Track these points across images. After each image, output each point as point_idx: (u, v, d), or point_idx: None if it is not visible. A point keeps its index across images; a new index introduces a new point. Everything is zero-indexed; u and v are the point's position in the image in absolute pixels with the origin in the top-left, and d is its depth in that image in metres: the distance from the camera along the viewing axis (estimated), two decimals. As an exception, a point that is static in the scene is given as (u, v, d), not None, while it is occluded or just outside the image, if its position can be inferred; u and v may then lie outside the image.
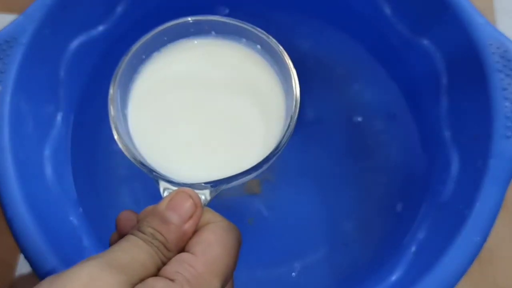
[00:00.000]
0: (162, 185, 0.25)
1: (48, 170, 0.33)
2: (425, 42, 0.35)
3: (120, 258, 0.20)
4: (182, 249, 0.22)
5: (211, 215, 0.23)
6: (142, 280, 0.20)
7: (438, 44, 0.35)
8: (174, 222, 0.22)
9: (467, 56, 0.31)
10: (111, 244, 0.25)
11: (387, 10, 0.37)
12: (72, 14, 0.34)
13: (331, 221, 0.39)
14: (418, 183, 0.37)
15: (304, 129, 0.41)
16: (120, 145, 0.25)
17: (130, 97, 0.28)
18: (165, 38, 0.29)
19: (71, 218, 0.33)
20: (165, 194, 0.25)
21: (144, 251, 0.21)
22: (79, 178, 0.36)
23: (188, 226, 0.22)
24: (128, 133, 0.27)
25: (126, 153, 0.25)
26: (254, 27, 0.28)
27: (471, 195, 0.28)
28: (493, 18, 0.49)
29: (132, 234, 0.22)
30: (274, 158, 0.25)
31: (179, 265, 0.21)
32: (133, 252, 0.20)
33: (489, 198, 0.28)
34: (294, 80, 0.27)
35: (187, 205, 0.22)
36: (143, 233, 0.21)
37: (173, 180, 0.25)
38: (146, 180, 0.39)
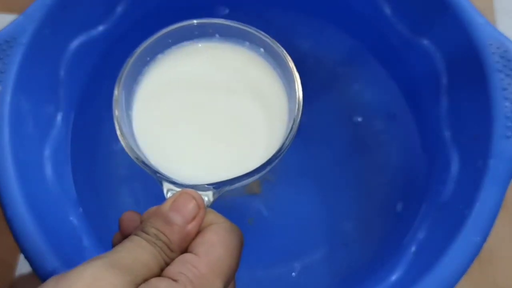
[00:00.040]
0: (166, 186, 0.25)
1: (48, 170, 0.33)
2: (425, 42, 0.35)
3: (124, 258, 0.20)
4: (185, 250, 0.22)
5: (214, 216, 0.24)
6: (145, 280, 0.20)
7: (438, 44, 0.35)
8: (178, 223, 0.22)
9: (467, 56, 0.31)
10: (113, 244, 0.25)
11: (387, 10, 0.37)
12: (72, 14, 0.34)
13: (331, 221, 0.39)
14: (418, 183, 0.37)
15: (304, 129, 0.41)
16: (124, 146, 0.25)
17: (135, 98, 0.28)
18: (170, 41, 0.29)
19: (71, 218, 0.33)
20: (169, 195, 0.25)
21: (147, 251, 0.21)
22: (79, 178, 0.36)
23: (191, 227, 0.22)
24: (132, 134, 0.27)
25: (130, 154, 0.25)
26: (258, 30, 0.28)
27: (471, 195, 0.28)
28: (493, 18, 0.49)
29: (135, 234, 0.22)
30: (277, 161, 0.26)
31: (182, 266, 0.21)
32: (136, 253, 0.21)
33: (489, 198, 0.28)
34: (297, 84, 0.27)
35: (190, 206, 0.22)
36: (147, 233, 0.22)
37: (177, 182, 0.25)
38: (146, 180, 0.39)
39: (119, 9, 0.37)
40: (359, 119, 0.42)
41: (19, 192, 0.29)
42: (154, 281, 0.20)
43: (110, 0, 0.36)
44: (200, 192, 0.24)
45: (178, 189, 0.25)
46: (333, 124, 0.42)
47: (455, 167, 0.32)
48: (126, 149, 0.25)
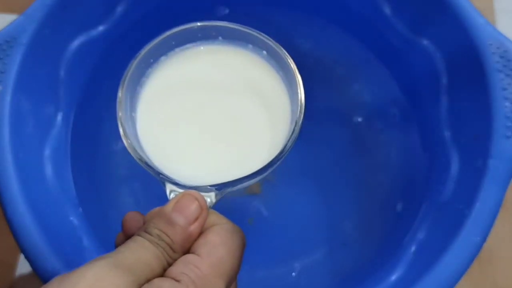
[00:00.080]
0: (169, 187, 0.25)
1: (48, 170, 0.33)
2: (425, 42, 0.35)
3: (127, 258, 0.20)
4: (188, 251, 0.22)
5: (216, 217, 0.24)
6: (148, 280, 0.20)
7: (438, 44, 0.35)
8: (180, 224, 0.22)
9: (467, 56, 0.31)
10: (116, 244, 0.25)
11: (387, 10, 0.37)
12: (72, 14, 0.34)
13: (331, 221, 0.39)
14: (418, 183, 0.37)
15: (304, 129, 0.41)
16: (127, 147, 0.26)
17: (138, 100, 0.28)
18: (173, 43, 0.29)
19: (71, 218, 0.33)
20: (171, 196, 0.25)
21: (150, 252, 0.21)
22: (79, 178, 0.36)
23: (194, 228, 0.22)
24: (135, 135, 0.27)
25: (133, 155, 0.26)
26: (261, 33, 0.28)
27: (471, 195, 0.28)
28: (493, 18, 0.49)
29: (138, 235, 0.22)
30: (279, 162, 0.26)
31: (185, 266, 0.21)
32: (139, 253, 0.21)
33: (489, 198, 0.28)
34: (299, 86, 0.27)
35: (193, 207, 0.23)
36: (150, 234, 0.22)
37: (180, 183, 0.25)
38: (146, 180, 0.39)
39: (119, 9, 0.37)
40: (359, 119, 0.42)
41: (19, 192, 0.29)
42: (157, 281, 0.20)
43: (110, 0, 0.36)
44: (202, 194, 0.24)
45: (180, 190, 0.25)
46: (333, 124, 0.42)
47: (455, 167, 0.32)
48: (130, 150, 0.25)
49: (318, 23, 0.42)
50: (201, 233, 0.23)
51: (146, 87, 0.29)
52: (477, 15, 0.31)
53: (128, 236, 0.24)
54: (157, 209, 0.24)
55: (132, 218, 0.25)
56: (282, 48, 0.28)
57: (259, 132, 0.28)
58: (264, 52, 0.29)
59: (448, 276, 0.27)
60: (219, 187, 0.25)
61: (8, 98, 0.30)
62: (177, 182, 0.25)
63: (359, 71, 0.42)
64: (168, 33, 0.28)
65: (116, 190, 0.39)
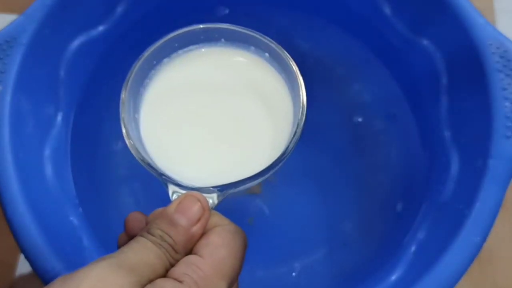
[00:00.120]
0: (171, 188, 0.25)
1: (48, 170, 0.33)
2: (425, 42, 0.35)
3: (130, 259, 0.20)
4: (190, 251, 0.23)
5: (218, 219, 0.24)
6: (150, 281, 0.20)
7: (438, 44, 0.35)
8: (182, 225, 0.22)
9: (467, 56, 0.31)
10: (119, 244, 0.25)
11: (387, 10, 0.37)
12: (72, 14, 0.34)
13: (331, 221, 0.39)
14: (418, 183, 0.37)
15: (304, 129, 0.41)
16: (130, 148, 0.26)
17: (142, 101, 0.29)
18: (176, 45, 0.29)
19: (71, 218, 0.33)
20: (174, 197, 0.25)
21: (153, 252, 0.21)
22: (79, 178, 0.36)
23: (196, 229, 0.23)
24: (138, 136, 0.28)
25: (136, 156, 0.26)
26: (263, 35, 0.28)
27: (471, 195, 0.28)
28: (493, 18, 0.49)
29: (141, 235, 0.22)
30: (280, 164, 0.26)
31: (187, 267, 0.21)
32: (142, 254, 0.21)
33: (489, 198, 0.28)
34: (301, 88, 0.27)
35: (195, 208, 0.23)
36: (152, 235, 0.22)
37: (182, 184, 0.25)
38: (146, 180, 0.39)
39: (119, 9, 0.37)
40: (359, 119, 0.42)
41: (19, 192, 0.29)
42: (160, 281, 0.20)
43: (110, 0, 0.36)
44: (205, 195, 0.24)
45: (183, 192, 0.25)
46: (333, 124, 0.42)
47: (455, 167, 0.32)
48: (132, 151, 0.26)
49: (318, 23, 0.42)
50: (203, 234, 0.23)
51: (149, 88, 0.29)
52: (477, 15, 0.31)
53: (130, 236, 0.24)
54: (159, 210, 0.24)
55: (135, 218, 0.25)
56: (284, 51, 0.28)
57: (261, 134, 0.28)
58: (267, 54, 0.29)
59: (448, 276, 0.27)
60: (221, 189, 0.25)
61: (8, 98, 0.30)
62: (180, 183, 0.25)
63: (359, 71, 0.42)
64: (171, 35, 0.28)
65: (116, 190, 0.39)
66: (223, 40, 0.30)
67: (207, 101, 0.29)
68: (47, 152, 0.33)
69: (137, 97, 0.28)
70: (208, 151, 0.28)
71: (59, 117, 0.35)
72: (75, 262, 0.28)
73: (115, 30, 0.37)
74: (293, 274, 0.38)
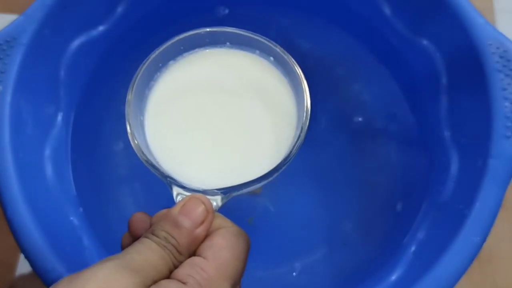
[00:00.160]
0: (176, 190, 0.26)
1: (48, 170, 0.33)
2: (425, 42, 0.35)
3: (135, 260, 0.21)
4: (194, 253, 0.23)
5: (222, 221, 0.24)
6: (155, 282, 0.20)
7: (437, 44, 0.35)
8: (186, 227, 0.23)
9: (467, 56, 0.31)
10: (123, 244, 0.25)
11: (387, 10, 0.37)
12: (72, 14, 0.34)
13: (331, 221, 0.39)
14: (418, 183, 0.37)
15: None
16: (135, 150, 0.26)
17: (147, 103, 0.29)
18: (182, 48, 0.30)
19: (71, 218, 0.33)
20: (178, 199, 0.25)
21: (157, 254, 0.21)
22: (79, 178, 0.36)
23: (200, 230, 0.23)
24: (143, 138, 0.28)
25: (141, 157, 0.26)
26: (268, 39, 0.29)
27: (471, 195, 0.28)
28: (493, 18, 0.49)
29: (146, 237, 0.22)
30: (284, 167, 0.26)
31: (191, 268, 0.21)
32: (146, 255, 0.21)
33: (489, 198, 0.28)
34: (306, 92, 0.27)
35: (199, 210, 0.23)
36: (157, 236, 0.22)
37: (186, 186, 0.25)
38: (146, 180, 0.39)
39: (120, 9, 0.37)
40: (359, 119, 0.42)
41: (19, 192, 0.29)
42: (164, 282, 0.20)
43: (110, 0, 0.36)
44: (209, 197, 0.25)
45: (187, 194, 0.25)
46: (333, 124, 0.42)
47: (455, 167, 0.32)
48: (138, 153, 0.26)
49: (318, 23, 0.42)
50: (207, 236, 0.23)
51: (154, 90, 0.29)
52: (477, 15, 0.31)
53: (134, 237, 0.24)
54: (164, 211, 0.24)
55: (139, 219, 0.25)
56: (289, 55, 0.28)
57: (265, 137, 0.28)
58: (271, 58, 0.30)
59: (448, 276, 0.27)
60: (225, 191, 0.26)
61: (8, 98, 0.30)
62: (184, 185, 0.25)
63: (359, 71, 0.42)
64: (176, 38, 0.29)
65: (116, 190, 0.39)
66: (228, 43, 0.30)
67: (212, 103, 0.29)
68: (47, 152, 0.33)
69: (142, 98, 0.29)
70: (212, 153, 0.28)
71: (59, 117, 0.35)
72: (75, 262, 0.28)
73: (115, 30, 0.37)
74: (294, 274, 0.38)
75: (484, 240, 0.27)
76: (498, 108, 0.29)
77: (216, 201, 0.25)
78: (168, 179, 0.26)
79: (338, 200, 0.40)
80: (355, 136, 0.41)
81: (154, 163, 0.26)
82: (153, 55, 0.28)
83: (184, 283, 0.21)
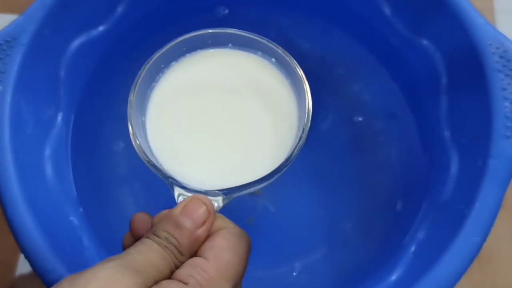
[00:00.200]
0: (177, 191, 0.26)
1: (48, 170, 0.33)
2: (425, 42, 0.35)
3: (136, 260, 0.21)
4: (195, 254, 0.23)
5: (223, 222, 0.24)
6: (156, 282, 0.21)
7: (437, 44, 0.35)
8: (188, 227, 0.23)
9: (467, 56, 0.31)
10: (124, 244, 0.25)
11: (387, 10, 0.37)
12: (72, 14, 0.34)
13: (331, 221, 0.39)
14: (418, 183, 0.37)
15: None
16: (137, 150, 0.26)
17: (149, 103, 0.29)
18: (184, 49, 0.30)
19: (71, 218, 0.33)
20: (180, 199, 0.25)
21: (158, 254, 0.22)
22: (79, 178, 0.36)
23: (201, 231, 0.23)
24: (145, 138, 0.28)
25: (142, 158, 0.26)
26: (270, 41, 0.29)
27: (471, 195, 0.28)
28: (493, 18, 0.49)
29: (147, 237, 0.22)
30: (286, 169, 0.26)
31: (192, 269, 0.21)
32: (148, 255, 0.21)
33: (489, 198, 0.28)
34: (307, 93, 0.28)
35: (201, 211, 0.23)
36: (158, 236, 0.22)
37: (188, 187, 0.26)
38: (146, 180, 0.39)
39: (119, 9, 0.37)
40: (359, 119, 0.42)
41: (19, 192, 0.29)
42: (165, 283, 0.21)
43: (110, 0, 0.36)
44: (210, 198, 0.25)
45: (189, 194, 0.25)
46: (333, 124, 0.42)
47: (455, 167, 0.32)
48: (139, 153, 0.26)
49: (318, 23, 0.42)
50: (208, 236, 0.23)
51: (156, 91, 0.29)
52: (476, 15, 0.31)
53: (135, 237, 0.25)
54: (165, 211, 0.24)
55: (140, 219, 0.25)
56: (291, 56, 0.29)
57: (266, 138, 0.28)
58: (273, 59, 0.30)
59: (448, 276, 0.27)
60: (226, 192, 0.26)
61: (8, 98, 0.30)
62: (186, 186, 0.26)
63: (359, 71, 0.42)
64: (179, 39, 0.29)
65: (116, 190, 0.39)
66: (230, 44, 0.30)
67: (213, 104, 0.29)
68: (47, 152, 0.33)
69: (144, 99, 0.29)
70: (214, 154, 0.28)
71: (59, 117, 0.35)
72: (75, 262, 0.28)
73: (115, 30, 0.37)
74: (294, 274, 0.38)
75: (484, 240, 0.27)
76: (498, 108, 0.29)
77: (218, 202, 0.25)
78: (170, 179, 0.26)
79: (338, 200, 0.40)
80: (355, 136, 0.41)
81: (156, 163, 0.26)
82: (155, 56, 0.28)
83: (185, 283, 0.21)
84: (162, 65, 0.29)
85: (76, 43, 0.35)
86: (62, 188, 0.33)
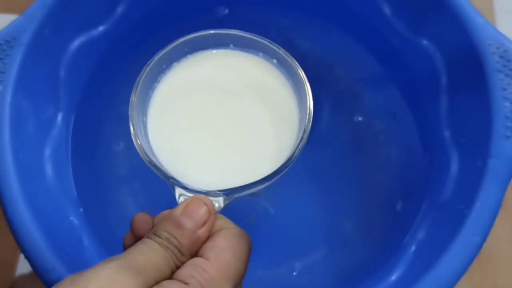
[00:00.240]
0: (178, 191, 0.26)
1: (48, 170, 0.33)
2: (425, 42, 0.35)
3: (137, 260, 0.21)
4: (196, 254, 0.23)
5: (223, 222, 0.24)
6: (157, 282, 0.21)
7: (437, 44, 0.35)
8: (189, 227, 0.23)
9: (467, 56, 0.31)
10: (125, 243, 0.26)
11: (387, 10, 0.37)
12: (72, 14, 0.34)
13: (331, 221, 0.39)
14: (418, 183, 0.37)
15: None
16: (139, 151, 0.26)
17: (150, 104, 0.29)
18: (185, 49, 0.30)
19: (71, 218, 0.33)
20: (181, 200, 0.26)
21: (159, 254, 0.22)
22: (79, 178, 0.36)
23: (202, 231, 0.23)
24: (146, 138, 0.28)
25: (144, 158, 0.26)
26: (271, 42, 0.29)
27: (471, 195, 0.28)
28: (493, 18, 0.49)
29: (148, 237, 0.22)
30: (287, 169, 0.27)
31: (193, 269, 0.21)
32: (149, 255, 0.21)
33: (489, 198, 0.28)
34: (308, 94, 0.28)
35: (202, 211, 0.23)
36: (159, 237, 0.22)
37: (189, 187, 0.26)
38: (146, 180, 0.39)
39: (119, 9, 0.37)
40: (359, 119, 0.42)
41: (19, 192, 0.29)
42: (166, 283, 0.21)
43: (110, 0, 0.36)
44: (211, 198, 0.25)
45: (190, 195, 0.25)
46: (333, 124, 0.42)
47: (455, 167, 0.32)
48: (140, 154, 0.26)
49: (318, 23, 0.42)
50: (209, 237, 0.23)
51: (158, 91, 0.30)
52: (476, 15, 0.31)
53: (136, 237, 0.25)
54: (166, 212, 0.24)
55: (141, 219, 0.25)
56: (292, 58, 0.29)
57: (268, 139, 0.28)
58: (275, 60, 0.30)
59: (448, 276, 0.27)
60: (227, 192, 0.26)
61: (8, 98, 0.30)
62: (187, 186, 0.26)
63: (359, 71, 0.42)
64: (181, 40, 0.29)
65: (116, 190, 0.39)
66: (232, 45, 0.30)
67: (214, 105, 0.29)
68: (47, 152, 0.33)
69: (145, 99, 0.29)
70: (215, 154, 0.28)
71: (59, 117, 0.35)
72: (75, 262, 0.28)
73: (115, 30, 0.37)
74: (294, 273, 0.38)
75: (484, 240, 0.27)
76: (498, 108, 0.29)
77: (218, 202, 0.25)
78: (171, 180, 0.26)
79: (338, 200, 0.40)
80: (355, 136, 0.41)
81: (157, 164, 0.26)
82: (157, 57, 0.28)
83: (186, 283, 0.21)
84: (164, 66, 0.29)
85: (76, 43, 0.35)
86: (62, 188, 0.33)
